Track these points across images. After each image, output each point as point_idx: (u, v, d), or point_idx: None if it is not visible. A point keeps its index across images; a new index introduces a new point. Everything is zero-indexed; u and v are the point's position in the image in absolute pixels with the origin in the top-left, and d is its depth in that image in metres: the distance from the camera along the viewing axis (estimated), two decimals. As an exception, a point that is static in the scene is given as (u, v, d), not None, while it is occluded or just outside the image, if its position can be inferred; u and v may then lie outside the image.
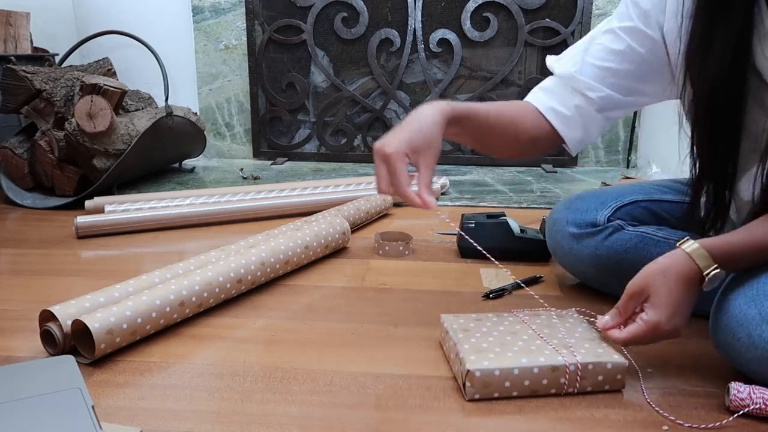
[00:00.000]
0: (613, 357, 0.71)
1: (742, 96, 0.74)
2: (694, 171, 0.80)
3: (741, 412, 0.66)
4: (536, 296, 0.85)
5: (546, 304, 0.83)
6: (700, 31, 0.74)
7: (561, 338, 0.74)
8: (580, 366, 0.69)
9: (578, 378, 0.70)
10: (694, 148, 0.78)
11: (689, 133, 0.79)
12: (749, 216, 0.74)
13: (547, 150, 0.94)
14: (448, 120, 0.78)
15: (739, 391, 0.67)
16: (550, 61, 0.91)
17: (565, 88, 0.87)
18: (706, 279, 0.68)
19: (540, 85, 0.91)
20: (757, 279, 0.69)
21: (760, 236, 0.69)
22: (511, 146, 0.89)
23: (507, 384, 0.69)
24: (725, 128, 0.76)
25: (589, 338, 0.75)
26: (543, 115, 0.87)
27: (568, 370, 0.69)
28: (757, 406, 0.65)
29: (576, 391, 0.70)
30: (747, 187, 0.79)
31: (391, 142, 0.72)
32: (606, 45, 0.85)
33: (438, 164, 0.77)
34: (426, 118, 0.75)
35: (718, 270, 0.68)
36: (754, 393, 0.66)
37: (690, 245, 0.69)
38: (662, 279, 0.69)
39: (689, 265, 0.68)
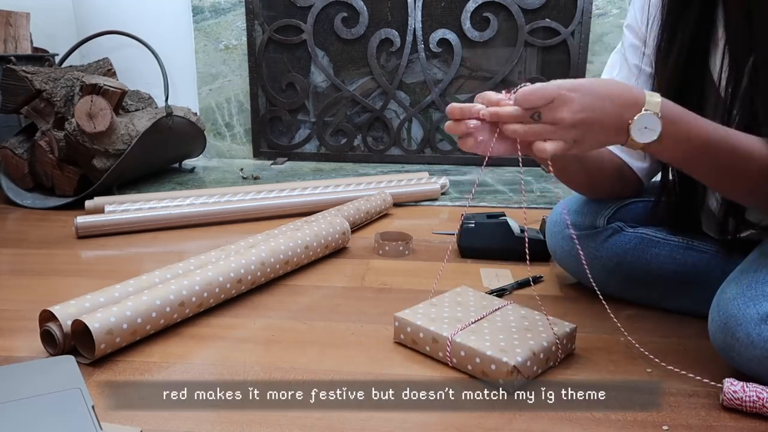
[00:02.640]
0: (567, 325, 0.79)
1: (701, 103, 0.75)
2: (663, 175, 0.82)
3: (735, 407, 0.67)
4: (502, 296, 0.85)
5: (544, 309, 0.84)
6: (662, 36, 0.76)
7: (532, 320, 0.81)
8: (563, 336, 0.77)
9: (561, 346, 0.77)
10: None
11: None
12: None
13: (632, 192, 0.94)
14: None
15: (732, 383, 0.67)
16: None
17: None
18: (642, 110, 0.63)
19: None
20: (756, 279, 0.69)
21: (713, 126, 0.66)
22: (602, 184, 0.91)
23: (535, 368, 0.73)
24: None
25: (539, 321, 0.81)
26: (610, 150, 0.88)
27: (564, 341, 0.77)
28: (751, 400, 0.66)
29: (563, 357, 0.78)
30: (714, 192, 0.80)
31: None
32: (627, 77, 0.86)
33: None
34: None
35: (653, 112, 0.63)
36: (747, 387, 0.66)
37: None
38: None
39: (632, 87, 0.64)
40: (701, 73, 0.75)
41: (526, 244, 0.87)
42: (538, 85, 0.63)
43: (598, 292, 0.79)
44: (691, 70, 0.75)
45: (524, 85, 0.64)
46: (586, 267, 0.87)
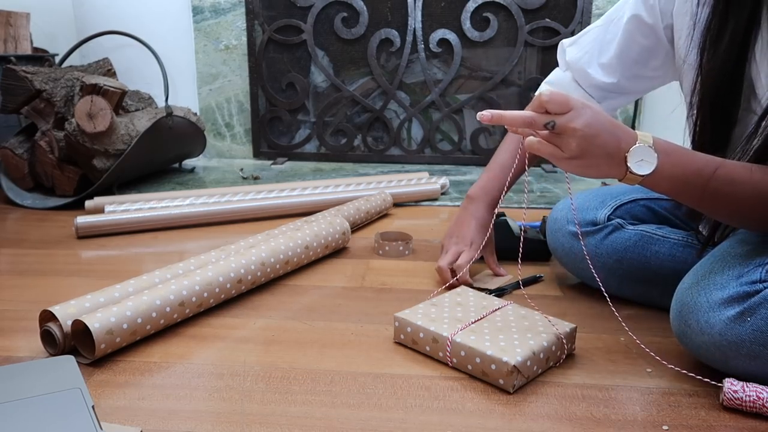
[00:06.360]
0: (567, 325, 0.79)
1: (740, 91, 0.75)
2: None
3: (735, 407, 0.67)
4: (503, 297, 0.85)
5: (538, 309, 0.84)
6: (714, 21, 0.74)
7: (532, 320, 0.81)
8: (563, 336, 0.77)
9: (564, 347, 0.78)
10: (694, 137, 0.79)
11: (691, 126, 0.80)
12: None
13: None
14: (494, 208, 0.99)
15: (732, 383, 0.68)
16: (565, 45, 1.00)
17: (568, 81, 0.97)
18: (636, 143, 0.65)
19: (546, 79, 1.01)
20: (711, 270, 0.72)
21: (706, 156, 0.68)
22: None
23: (535, 368, 0.73)
24: (722, 122, 0.77)
25: (540, 321, 0.80)
26: None
27: (564, 341, 0.77)
28: (750, 400, 0.66)
29: (563, 358, 0.79)
30: None
31: (461, 264, 0.98)
32: (617, 38, 0.90)
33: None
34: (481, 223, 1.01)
35: (648, 145, 0.65)
36: (747, 387, 0.67)
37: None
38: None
39: (629, 129, 0.67)
40: (745, 59, 0.73)
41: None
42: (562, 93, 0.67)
43: (601, 286, 0.79)
44: (739, 54, 0.73)
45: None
46: (588, 260, 0.87)
